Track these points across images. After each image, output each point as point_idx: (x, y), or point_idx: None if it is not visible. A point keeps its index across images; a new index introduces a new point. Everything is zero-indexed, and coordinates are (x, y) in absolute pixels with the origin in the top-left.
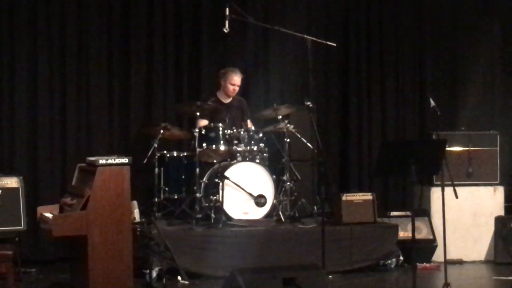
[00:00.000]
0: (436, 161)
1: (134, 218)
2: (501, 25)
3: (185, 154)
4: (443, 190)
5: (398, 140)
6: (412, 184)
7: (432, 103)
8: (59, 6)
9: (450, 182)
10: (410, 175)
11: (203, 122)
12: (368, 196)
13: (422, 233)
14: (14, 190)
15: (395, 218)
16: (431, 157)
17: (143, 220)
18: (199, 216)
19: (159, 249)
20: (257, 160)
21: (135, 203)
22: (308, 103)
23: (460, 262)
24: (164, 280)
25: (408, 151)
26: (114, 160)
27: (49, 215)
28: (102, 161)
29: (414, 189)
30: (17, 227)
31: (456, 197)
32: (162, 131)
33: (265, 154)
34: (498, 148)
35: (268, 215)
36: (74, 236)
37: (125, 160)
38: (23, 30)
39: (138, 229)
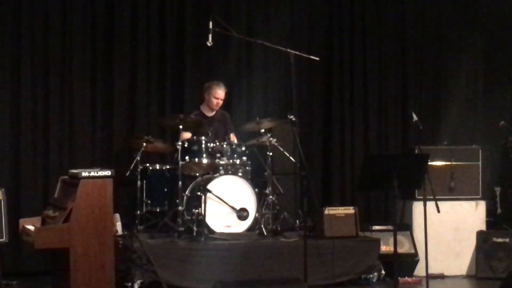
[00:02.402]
0: (418, 176)
1: (116, 231)
2: (484, 41)
3: (168, 167)
4: (425, 205)
5: (381, 154)
6: (394, 198)
7: (415, 117)
8: (42, 20)
9: (432, 197)
10: (393, 189)
11: (186, 135)
12: (350, 210)
13: (404, 247)
14: None
15: (377, 232)
16: (414, 171)
17: (125, 233)
18: (181, 229)
19: (141, 262)
20: (240, 174)
21: (117, 215)
22: (291, 117)
23: (441, 277)
24: None
25: (391, 165)
26: (97, 173)
27: (31, 227)
28: (84, 173)
29: (396, 203)
30: None
31: (438, 211)
32: (145, 144)
33: (247, 168)
34: (480, 163)
35: (250, 229)
36: (56, 248)
37: (108, 172)
38: (6, 43)
39: (120, 242)
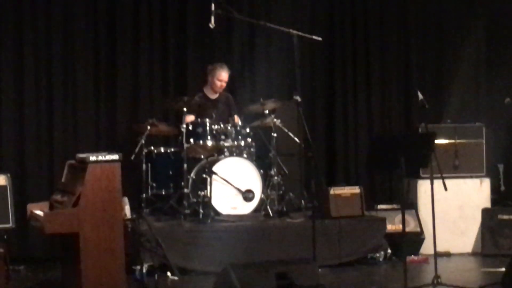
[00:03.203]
0: (425, 154)
1: (125, 215)
2: (487, 19)
3: (173, 150)
4: (432, 183)
5: (387, 134)
6: (400, 177)
7: (420, 96)
8: (44, 5)
9: (438, 175)
10: (400, 169)
11: (190, 118)
12: (356, 190)
13: (410, 226)
14: (2, 187)
15: (383, 212)
16: (421, 150)
17: (134, 216)
18: (187, 211)
19: (150, 245)
20: (245, 155)
21: (125, 199)
22: (297, 97)
23: (447, 255)
24: (155, 276)
25: (398, 144)
26: (105, 157)
27: (40, 212)
28: (93, 158)
29: (402, 182)
30: (6, 225)
31: (446, 189)
32: (149, 127)
33: (252, 149)
34: (484, 140)
35: (256, 210)
36: (66, 233)
37: (116, 156)
38: (9, 29)
39: (129, 226)
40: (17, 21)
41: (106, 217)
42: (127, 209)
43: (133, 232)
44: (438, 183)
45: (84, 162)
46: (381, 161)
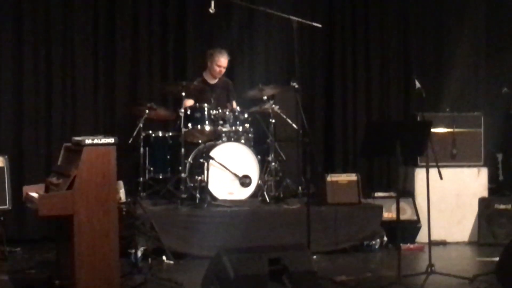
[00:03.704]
0: (421, 142)
1: (120, 198)
2: (486, 6)
3: (171, 134)
4: (427, 171)
5: (384, 120)
6: (397, 165)
7: (418, 84)
8: None
9: (434, 164)
10: (396, 156)
11: (189, 102)
12: (353, 177)
13: (406, 214)
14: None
15: (380, 199)
16: (417, 138)
17: (129, 200)
18: (184, 196)
19: (145, 229)
20: (242, 141)
21: (120, 183)
22: (294, 84)
23: (443, 243)
24: (149, 260)
25: (394, 131)
26: (100, 140)
27: (35, 194)
28: (88, 141)
29: (399, 170)
30: (2, 206)
31: (441, 178)
32: (147, 111)
33: (250, 135)
34: (482, 130)
35: (253, 196)
36: (60, 215)
37: (111, 140)
38: (8, 12)
39: (124, 209)
40: (15, 5)
41: (100, 200)
42: (122, 192)
43: (128, 216)
44: (434, 171)
45: (80, 145)
46: (376, 147)
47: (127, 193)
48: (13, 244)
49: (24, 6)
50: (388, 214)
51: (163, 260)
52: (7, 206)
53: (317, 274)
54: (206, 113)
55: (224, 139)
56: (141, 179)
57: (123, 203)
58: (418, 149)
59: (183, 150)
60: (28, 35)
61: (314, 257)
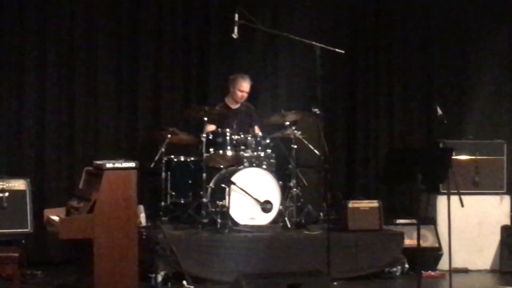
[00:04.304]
0: (442, 170)
1: (140, 222)
2: (509, 34)
3: (192, 159)
4: (449, 199)
5: (405, 147)
6: (418, 192)
7: (439, 111)
8: (69, 10)
9: (456, 191)
10: (417, 183)
11: (211, 127)
12: (374, 204)
13: (428, 241)
14: (21, 192)
15: (401, 226)
16: (438, 165)
17: (149, 224)
18: (205, 221)
19: (165, 253)
20: (264, 166)
21: (141, 207)
22: (316, 109)
23: (465, 271)
24: (169, 284)
25: (415, 159)
26: (121, 164)
27: (55, 218)
28: (109, 165)
29: (421, 197)
30: (24, 230)
31: (462, 205)
32: (169, 135)
33: (272, 160)
34: (505, 157)
35: (274, 221)
36: (80, 239)
37: (132, 164)
38: (32, 33)
39: (144, 233)
40: (40, 29)
41: (120, 224)
42: (142, 217)
43: (148, 240)
44: (456, 199)
45: (100, 169)
46: (397, 174)
47: (148, 218)
48: (34, 267)
49: (47, 30)
50: (410, 241)
51: (183, 285)
52: (28, 229)
53: None
54: (228, 138)
55: (246, 164)
56: (163, 203)
57: (144, 227)
58: (439, 176)
59: (204, 175)
60: (52, 57)
61: (335, 283)
